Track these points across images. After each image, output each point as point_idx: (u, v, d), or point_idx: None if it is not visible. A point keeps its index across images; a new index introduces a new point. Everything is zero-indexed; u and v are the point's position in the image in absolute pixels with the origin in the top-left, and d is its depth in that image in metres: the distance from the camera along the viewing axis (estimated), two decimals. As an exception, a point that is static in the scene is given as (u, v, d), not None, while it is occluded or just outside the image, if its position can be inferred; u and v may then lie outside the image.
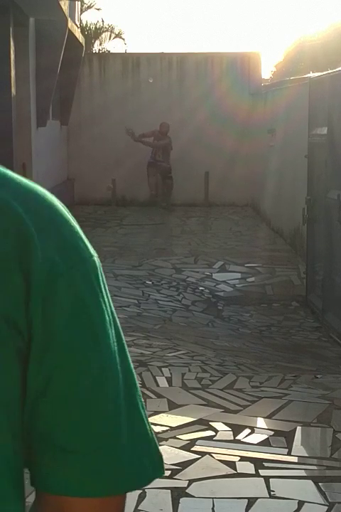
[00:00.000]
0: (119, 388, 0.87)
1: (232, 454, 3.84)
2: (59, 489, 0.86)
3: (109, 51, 18.46)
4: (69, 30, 11.94)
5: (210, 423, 4.26)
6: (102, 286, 0.88)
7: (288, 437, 4.09)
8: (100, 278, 0.88)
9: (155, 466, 0.90)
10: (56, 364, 0.83)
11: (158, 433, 4.05)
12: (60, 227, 0.86)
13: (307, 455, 4.00)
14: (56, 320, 0.83)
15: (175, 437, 4.02)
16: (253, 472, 3.65)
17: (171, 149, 15.77)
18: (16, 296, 0.81)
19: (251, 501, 3.34)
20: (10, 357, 0.81)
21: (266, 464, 3.74)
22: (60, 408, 0.84)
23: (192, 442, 3.97)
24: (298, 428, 4.24)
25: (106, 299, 0.88)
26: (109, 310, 0.88)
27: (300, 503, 3.34)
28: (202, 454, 3.83)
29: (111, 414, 0.86)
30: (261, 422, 4.45)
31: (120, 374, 0.87)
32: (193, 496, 3.39)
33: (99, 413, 0.85)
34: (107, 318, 0.87)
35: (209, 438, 4.06)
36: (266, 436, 4.11)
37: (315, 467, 3.81)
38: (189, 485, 3.47)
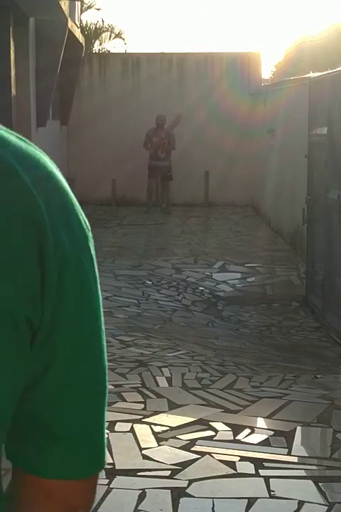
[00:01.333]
0: (106, 376, 0.87)
1: (232, 454, 3.84)
2: (53, 473, 0.85)
3: (109, 51, 18.47)
4: (69, 30, 11.95)
5: (210, 423, 4.26)
6: (95, 259, 0.86)
7: (288, 437, 4.08)
8: (93, 251, 0.86)
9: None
10: (58, 348, 0.81)
11: (158, 433, 4.05)
12: (63, 196, 0.80)
13: (307, 455, 4.00)
14: (63, 309, 0.80)
15: (175, 437, 4.02)
16: (253, 472, 3.65)
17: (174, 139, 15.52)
18: (36, 295, 0.77)
19: (251, 501, 3.34)
20: (20, 352, 0.78)
21: (266, 464, 3.74)
22: (56, 393, 0.83)
23: (192, 442, 3.96)
24: (298, 428, 4.24)
25: (97, 272, 0.86)
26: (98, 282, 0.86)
27: (300, 503, 3.33)
28: (202, 454, 3.83)
29: (102, 403, 0.87)
30: (261, 422, 4.45)
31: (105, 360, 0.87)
32: (193, 496, 3.38)
33: (94, 401, 0.86)
34: (100, 295, 0.86)
35: (209, 438, 4.06)
36: (266, 436, 4.11)
37: (315, 467, 3.81)
38: (189, 485, 3.47)
